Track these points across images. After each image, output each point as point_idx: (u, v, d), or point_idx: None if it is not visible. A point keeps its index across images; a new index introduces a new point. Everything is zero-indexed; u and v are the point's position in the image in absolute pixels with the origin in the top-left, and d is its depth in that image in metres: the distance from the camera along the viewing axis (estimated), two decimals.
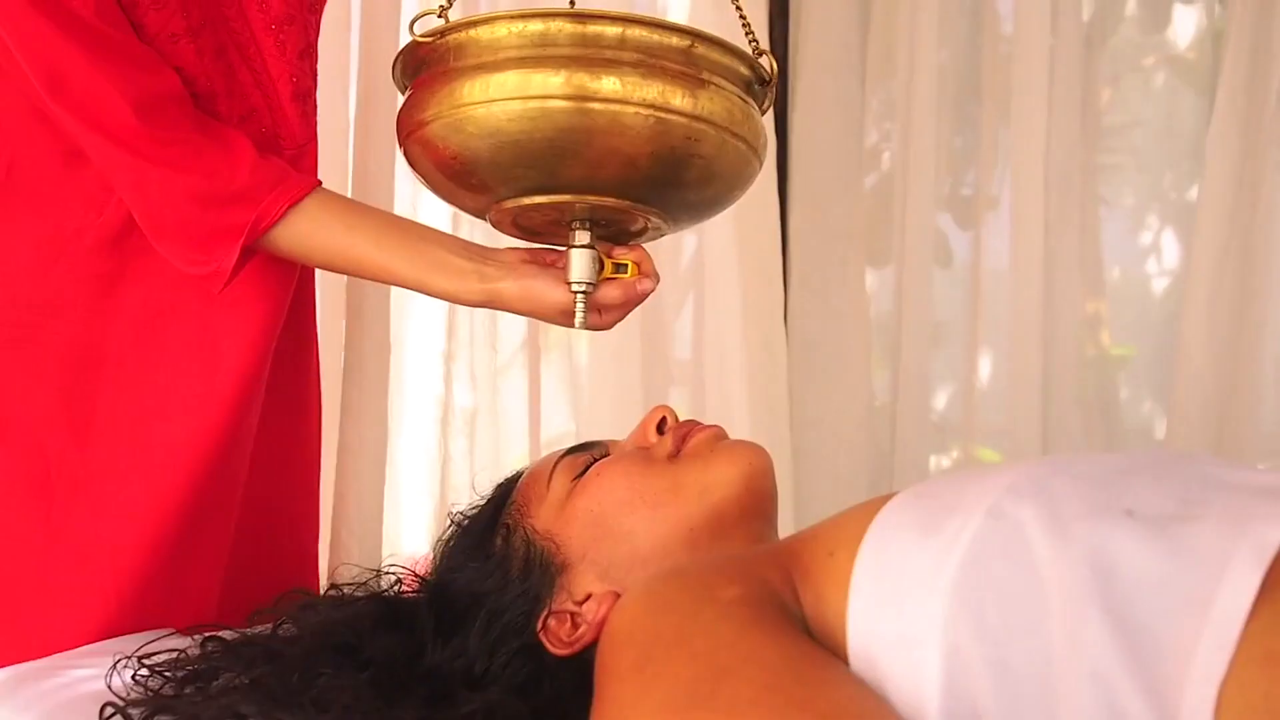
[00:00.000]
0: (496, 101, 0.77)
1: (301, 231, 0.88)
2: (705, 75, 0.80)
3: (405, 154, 0.87)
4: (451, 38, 0.81)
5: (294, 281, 1.02)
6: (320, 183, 0.90)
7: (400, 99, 0.90)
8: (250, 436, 1.00)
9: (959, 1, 1.71)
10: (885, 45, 1.74)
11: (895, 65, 1.72)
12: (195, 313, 0.95)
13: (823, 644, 0.58)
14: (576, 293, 0.86)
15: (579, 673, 0.75)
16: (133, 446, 0.94)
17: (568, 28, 0.77)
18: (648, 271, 0.89)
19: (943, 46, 1.68)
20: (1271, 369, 1.50)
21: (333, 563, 1.27)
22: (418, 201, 1.52)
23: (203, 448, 0.95)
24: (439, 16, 0.84)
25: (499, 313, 1.55)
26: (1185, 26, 1.64)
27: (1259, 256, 1.45)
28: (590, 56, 0.77)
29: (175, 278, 0.92)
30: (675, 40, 0.79)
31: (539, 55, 0.77)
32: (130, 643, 0.85)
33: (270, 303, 0.97)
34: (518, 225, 0.89)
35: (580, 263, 0.86)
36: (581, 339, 1.65)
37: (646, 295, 0.90)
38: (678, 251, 1.71)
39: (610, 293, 0.88)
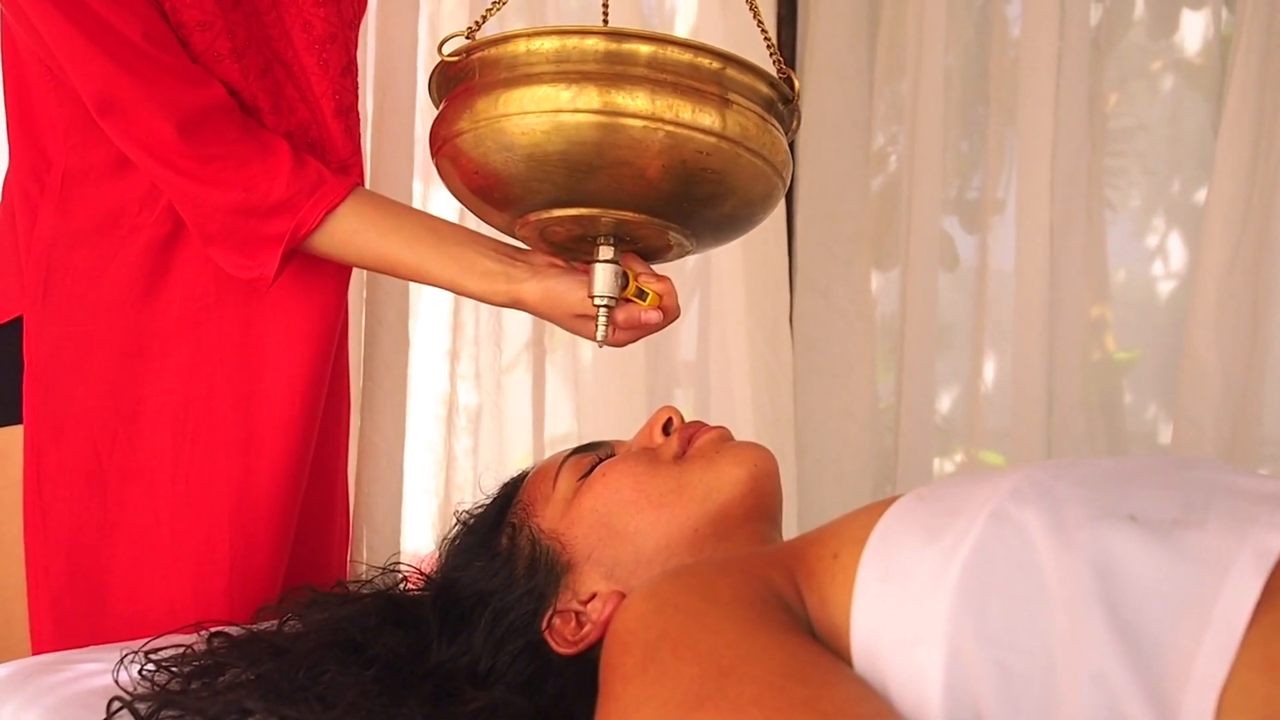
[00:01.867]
0: (517, 116, 0.78)
1: (338, 236, 0.91)
2: (719, 91, 0.80)
3: (437, 168, 0.89)
4: (477, 56, 0.83)
5: (347, 282, 1.05)
6: (357, 183, 0.93)
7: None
8: (312, 435, 1.02)
9: (966, 5, 1.71)
10: (892, 48, 1.74)
11: (902, 68, 1.72)
12: (238, 309, 0.98)
13: (826, 645, 0.59)
14: (598, 306, 0.88)
15: (583, 672, 0.76)
16: (179, 440, 0.97)
17: (582, 44, 0.78)
18: (668, 306, 0.91)
19: (950, 50, 1.68)
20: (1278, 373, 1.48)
21: (356, 559, 1.28)
22: (428, 204, 1.53)
23: (262, 443, 0.98)
24: (467, 38, 0.85)
25: (504, 311, 1.56)
26: (1193, 31, 1.64)
27: (1269, 259, 1.44)
28: (602, 72, 0.78)
29: (218, 274, 0.95)
30: (690, 56, 0.79)
31: (554, 71, 0.79)
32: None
33: (321, 305, 1.00)
34: (545, 240, 0.90)
35: (603, 277, 0.87)
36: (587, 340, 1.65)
37: (654, 326, 0.91)
38: None
39: (619, 315, 0.89)
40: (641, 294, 0.89)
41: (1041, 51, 1.57)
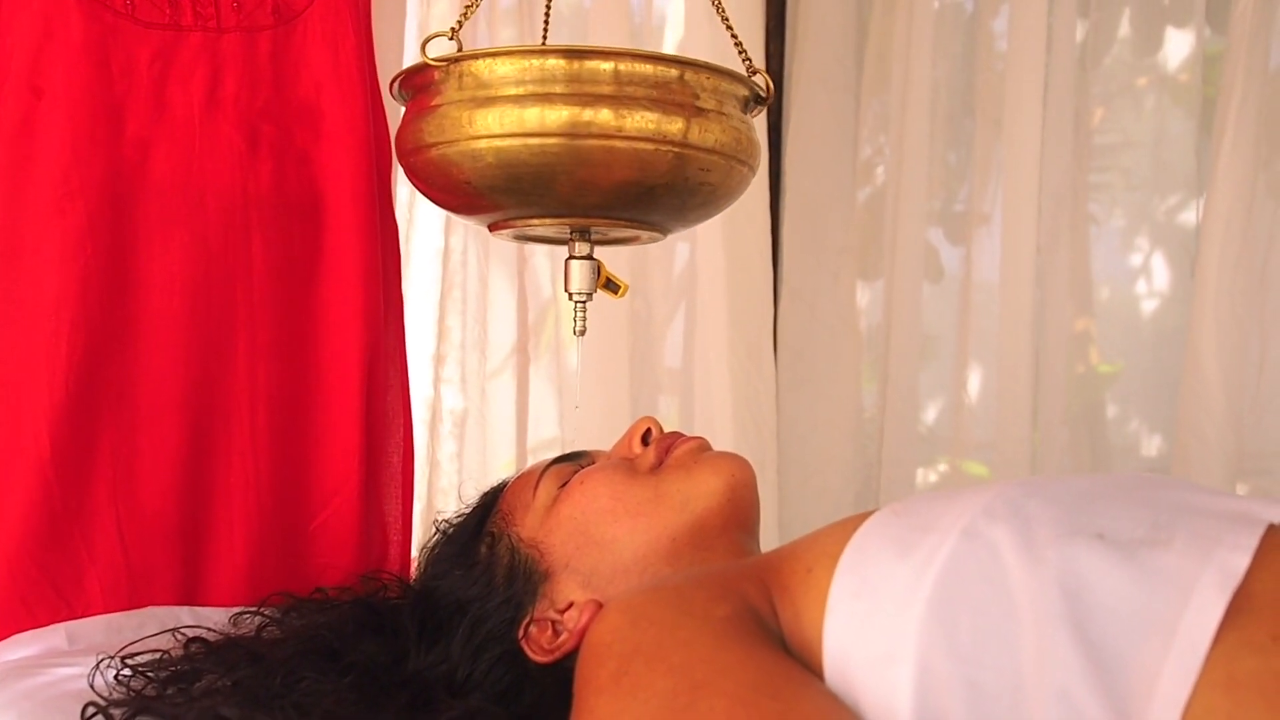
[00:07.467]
0: (503, 136, 0.78)
1: None
2: (706, 104, 0.81)
3: (406, 171, 0.88)
4: (463, 65, 0.81)
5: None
6: None
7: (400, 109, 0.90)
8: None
9: (954, 19, 1.72)
10: (880, 60, 1.74)
11: (890, 80, 1.73)
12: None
13: (799, 659, 0.59)
14: (575, 301, 0.89)
15: (560, 680, 0.76)
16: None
17: (573, 65, 0.78)
18: None
19: (937, 63, 1.68)
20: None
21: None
22: (414, 208, 1.53)
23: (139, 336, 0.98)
24: (450, 39, 0.84)
25: (490, 317, 1.56)
26: (1178, 49, 1.65)
27: (1271, 271, 1.43)
28: (593, 93, 0.78)
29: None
30: (674, 71, 0.80)
31: (545, 92, 0.78)
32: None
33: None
34: (519, 239, 0.92)
35: (580, 273, 0.88)
36: (572, 346, 1.65)
37: None
38: (669, 261, 1.72)
39: None
40: (613, 286, 0.91)
41: (1028, 66, 1.58)
